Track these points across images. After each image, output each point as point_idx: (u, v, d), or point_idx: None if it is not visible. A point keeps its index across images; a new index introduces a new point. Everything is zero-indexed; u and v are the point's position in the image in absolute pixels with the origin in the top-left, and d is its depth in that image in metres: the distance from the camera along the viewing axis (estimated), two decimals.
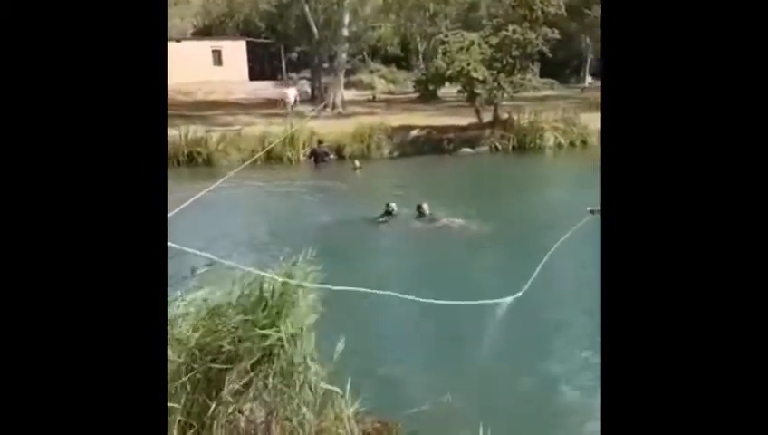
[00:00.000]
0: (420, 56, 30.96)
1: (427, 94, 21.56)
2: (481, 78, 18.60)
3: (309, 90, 29.25)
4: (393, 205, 11.33)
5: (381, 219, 11.30)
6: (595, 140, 20.67)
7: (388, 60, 39.77)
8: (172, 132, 18.77)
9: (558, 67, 27.37)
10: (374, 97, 31.76)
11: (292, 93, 22.64)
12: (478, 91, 19.26)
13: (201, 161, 18.37)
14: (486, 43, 19.45)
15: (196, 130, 19.30)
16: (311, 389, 4.46)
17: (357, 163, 17.54)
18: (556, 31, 19.59)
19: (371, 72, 38.12)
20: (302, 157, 18.92)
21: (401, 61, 39.98)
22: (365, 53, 36.03)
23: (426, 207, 11.28)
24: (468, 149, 19.97)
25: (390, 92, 34.99)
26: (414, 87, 25.02)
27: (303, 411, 4.47)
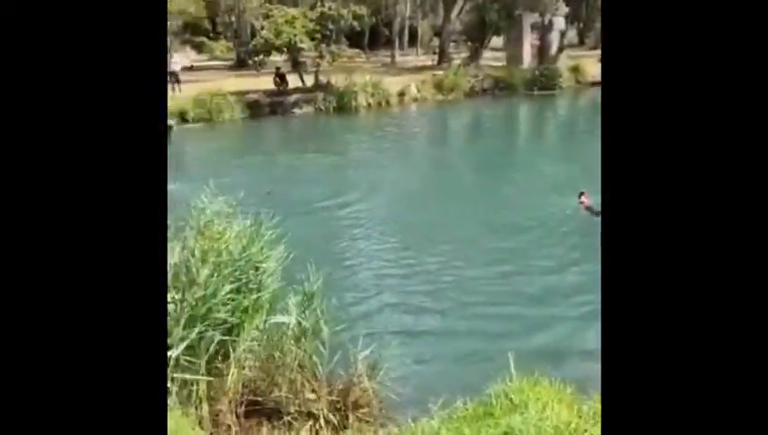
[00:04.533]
0: (233, 29, 28.69)
1: (255, 63, 19.98)
2: (306, 48, 17.72)
3: None
4: None
5: None
6: (395, 100, 21.10)
7: (196, 31, 36.61)
8: None
9: (360, 38, 27.10)
10: (192, 66, 28.93)
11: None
12: (302, 59, 18.36)
13: None
14: (306, 17, 18.51)
15: None
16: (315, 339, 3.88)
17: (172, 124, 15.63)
18: (364, 8, 19.26)
19: (184, 42, 34.61)
20: None
21: (209, 33, 37.30)
22: (178, 24, 32.50)
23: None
24: (297, 111, 19.15)
25: (206, 61, 32.24)
26: (240, 55, 23.01)
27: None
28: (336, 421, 3.67)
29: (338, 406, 3.80)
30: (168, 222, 4.21)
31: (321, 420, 3.64)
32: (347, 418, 3.73)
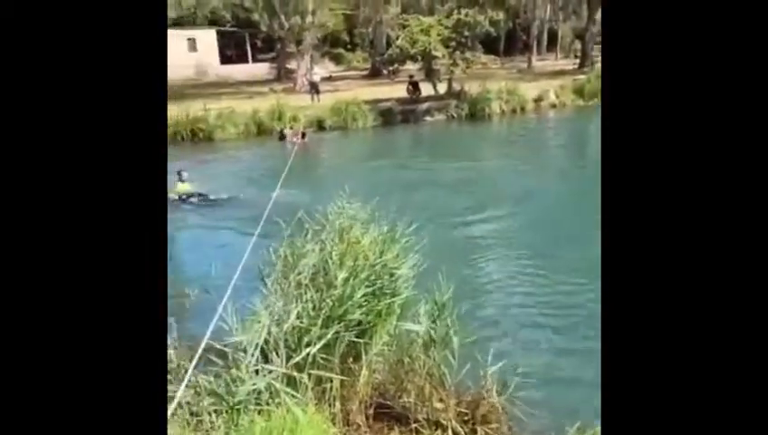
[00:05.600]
0: (368, 39, 29.86)
1: (389, 72, 20.64)
2: (441, 56, 17.91)
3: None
4: None
5: None
6: (531, 107, 20.54)
7: (335, 43, 38.55)
8: (174, 111, 17.39)
9: (495, 44, 26.83)
10: (330, 76, 30.55)
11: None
12: (437, 67, 18.58)
13: (202, 137, 17.06)
14: (441, 24, 18.70)
15: (195, 108, 17.85)
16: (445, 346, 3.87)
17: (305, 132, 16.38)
18: (501, 14, 19.04)
19: (324, 54, 36.69)
20: (287, 130, 17.71)
21: (347, 44, 39.09)
22: (318, 38, 34.62)
23: None
24: (428, 118, 19.38)
25: (343, 71, 33.93)
26: (375, 65, 23.87)
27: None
28: (464, 434, 3.65)
29: (465, 418, 3.77)
30: (305, 225, 4.52)
31: (450, 431, 3.64)
32: (475, 432, 3.69)
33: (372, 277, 3.80)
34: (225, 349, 3.31)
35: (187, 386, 2.98)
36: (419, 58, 18.84)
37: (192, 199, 10.46)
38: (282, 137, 16.65)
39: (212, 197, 10.50)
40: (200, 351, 2.90)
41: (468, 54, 18.95)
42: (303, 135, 16.34)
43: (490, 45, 23.19)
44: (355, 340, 3.69)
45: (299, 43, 25.05)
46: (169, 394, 3.13)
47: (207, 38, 32.69)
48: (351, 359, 3.84)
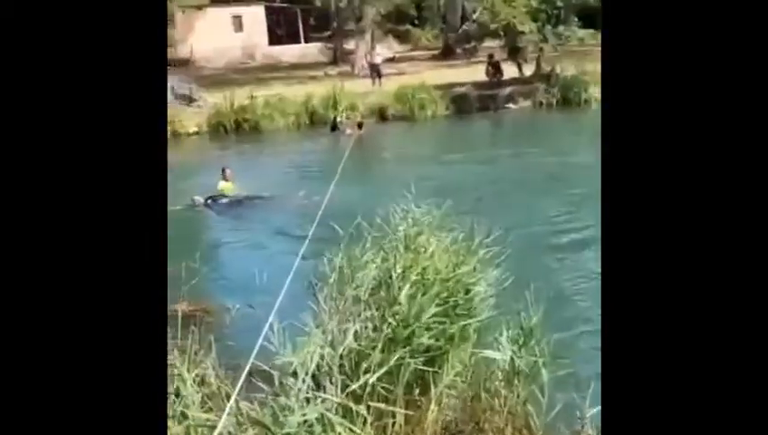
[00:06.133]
0: (440, 13, 29.87)
1: (465, 51, 20.56)
2: (527, 31, 17.67)
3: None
4: None
5: None
6: None
7: (400, 18, 38.78)
8: (218, 99, 18.00)
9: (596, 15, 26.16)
10: (395, 57, 30.77)
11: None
12: (521, 45, 18.33)
13: (247, 128, 17.57)
14: None
15: (240, 96, 18.43)
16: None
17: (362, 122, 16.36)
18: None
19: (387, 32, 36.99)
20: (342, 119, 17.85)
21: (414, 20, 39.22)
22: (380, 12, 34.95)
23: None
24: (511, 105, 19.13)
25: (409, 51, 34.10)
26: (448, 43, 23.86)
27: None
28: None
29: None
30: (364, 233, 4.53)
31: None
32: None
33: (444, 294, 3.75)
34: (272, 371, 3.35)
35: (228, 414, 3.03)
36: (501, 34, 18.65)
37: (225, 200, 10.78)
38: (334, 127, 16.78)
39: (242, 195, 10.80)
40: (243, 377, 2.94)
41: (561, 29, 18.61)
42: (360, 125, 16.39)
43: (588, 18, 22.57)
44: (422, 368, 3.65)
45: (358, 19, 25.35)
46: (209, 423, 3.21)
47: (255, 15, 33.62)
48: (418, 391, 3.81)
